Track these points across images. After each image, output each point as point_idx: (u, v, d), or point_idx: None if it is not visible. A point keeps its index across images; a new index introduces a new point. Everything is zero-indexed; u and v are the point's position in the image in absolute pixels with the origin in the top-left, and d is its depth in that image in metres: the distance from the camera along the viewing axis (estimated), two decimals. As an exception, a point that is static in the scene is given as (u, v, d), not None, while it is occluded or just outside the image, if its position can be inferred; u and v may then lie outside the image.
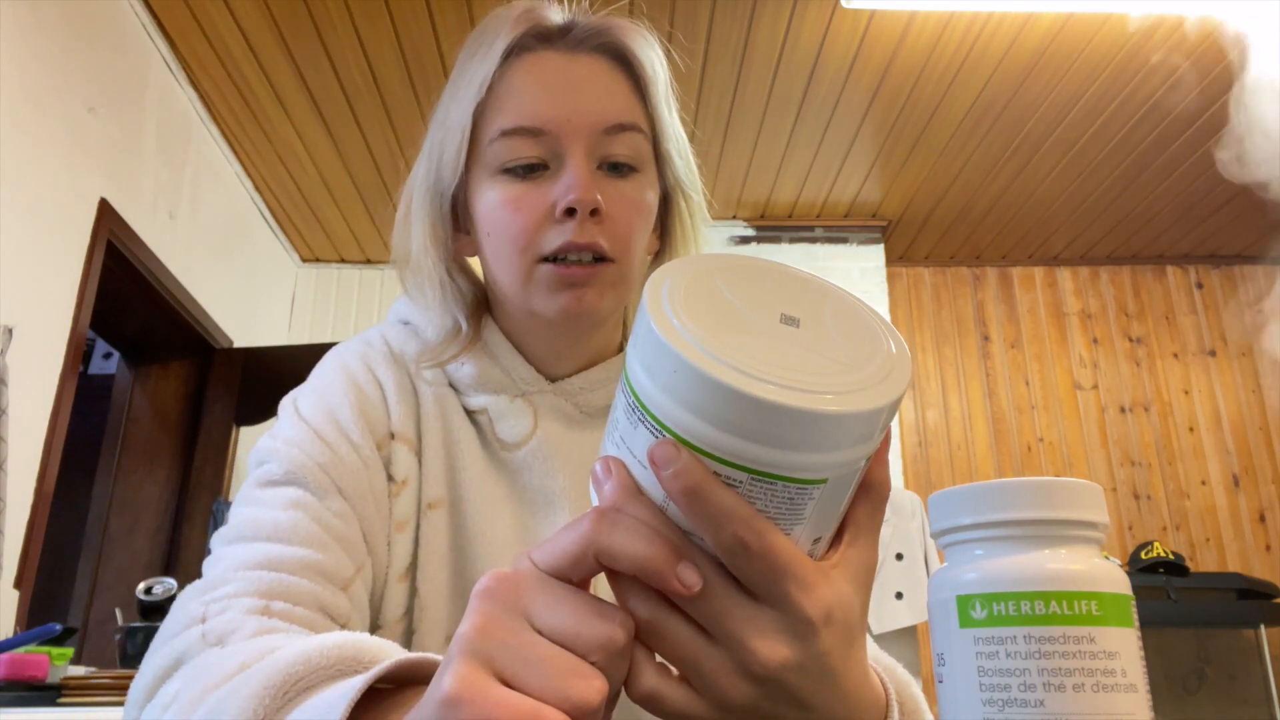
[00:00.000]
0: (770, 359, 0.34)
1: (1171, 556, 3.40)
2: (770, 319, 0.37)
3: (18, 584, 2.19)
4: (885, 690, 0.44)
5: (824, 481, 0.35)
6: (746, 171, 3.65)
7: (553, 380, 0.76)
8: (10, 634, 2.13)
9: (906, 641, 3.17)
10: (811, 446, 0.34)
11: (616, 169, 0.71)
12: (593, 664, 0.34)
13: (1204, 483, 4.00)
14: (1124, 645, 0.34)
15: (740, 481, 0.35)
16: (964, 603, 0.36)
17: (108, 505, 3.14)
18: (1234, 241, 4.16)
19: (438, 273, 0.74)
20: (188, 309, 3.08)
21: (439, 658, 0.44)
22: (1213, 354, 4.19)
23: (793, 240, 4.06)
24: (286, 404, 0.73)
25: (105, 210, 2.55)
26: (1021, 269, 4.34)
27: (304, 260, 4.15)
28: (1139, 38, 2.88)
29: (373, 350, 0.76)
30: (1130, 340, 4.22)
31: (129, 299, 2.93)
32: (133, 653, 1.89)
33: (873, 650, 0.60)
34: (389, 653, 0.48)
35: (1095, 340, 4.22)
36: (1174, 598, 3.27)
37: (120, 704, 1.60)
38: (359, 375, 0.73)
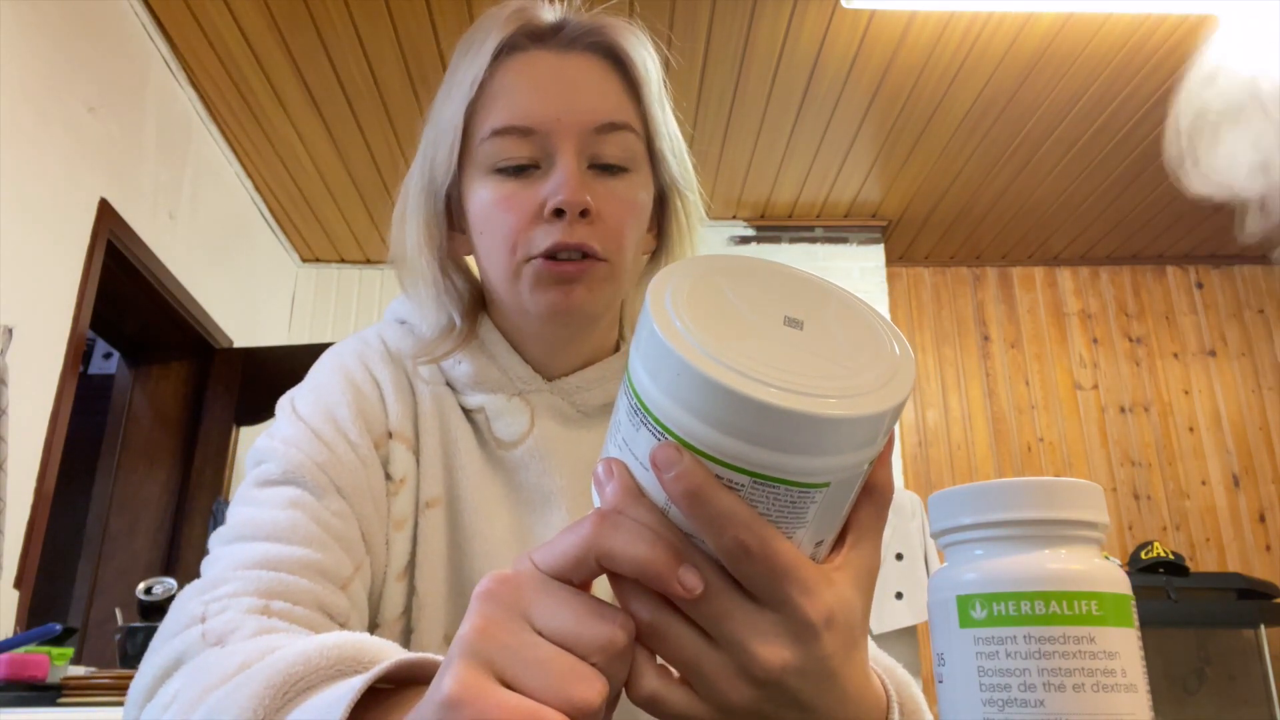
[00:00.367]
0: (773, 362, 0.34)
1: (1171, 556, 3.40)
2: (773, 321, 0.37)
3: (18, 584, 2.19)
4: (886, 691, 0.44)
5: (826, 485, 0.35)
6: (746, 171, 3.65)
7: (550, 379, 0.76)
8: (10, 634, 2.13)
9: (906, 641, 3.17)
10: (814, 450, 0.34)
11: (608, 168, 0.71)
12: (593, 665, 0.34)
13: (1204, 483, 4.00)
14: (1124, 645, 0.34)
15: (742, 485, 0.35)
16: (964, 603, 0.36)
17: (108, 505, 3.14)
18: (1234, 241, 4.16)
19: (431, 271, 0.74)
20: (188, 309, 3.08)
21: (439, 658, 0.44)
22: (1213, 354, 4.19)
23: (793, 240, 4.06)
24: (284, 404, 0.73)
25: (105, 210, 2.55)
26: (1021, 269, 4.34)
27: (304, 260, 4.15)
28: (1139, 38, 2.88)
29: (370, 349, 0.76)
30: (1130, 340, 4.22)
31: (129, 299, 2.93)
32: (133, 653, 1.89)
33: (872, 650, 0.60)
34: (389, 653, 0.48)
35: (1095, 340, 4.22)
36: (1174, 598, 3.27)
37: (120, 704, 1.60)
38: (356, 374, 0.74)
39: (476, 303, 0.78)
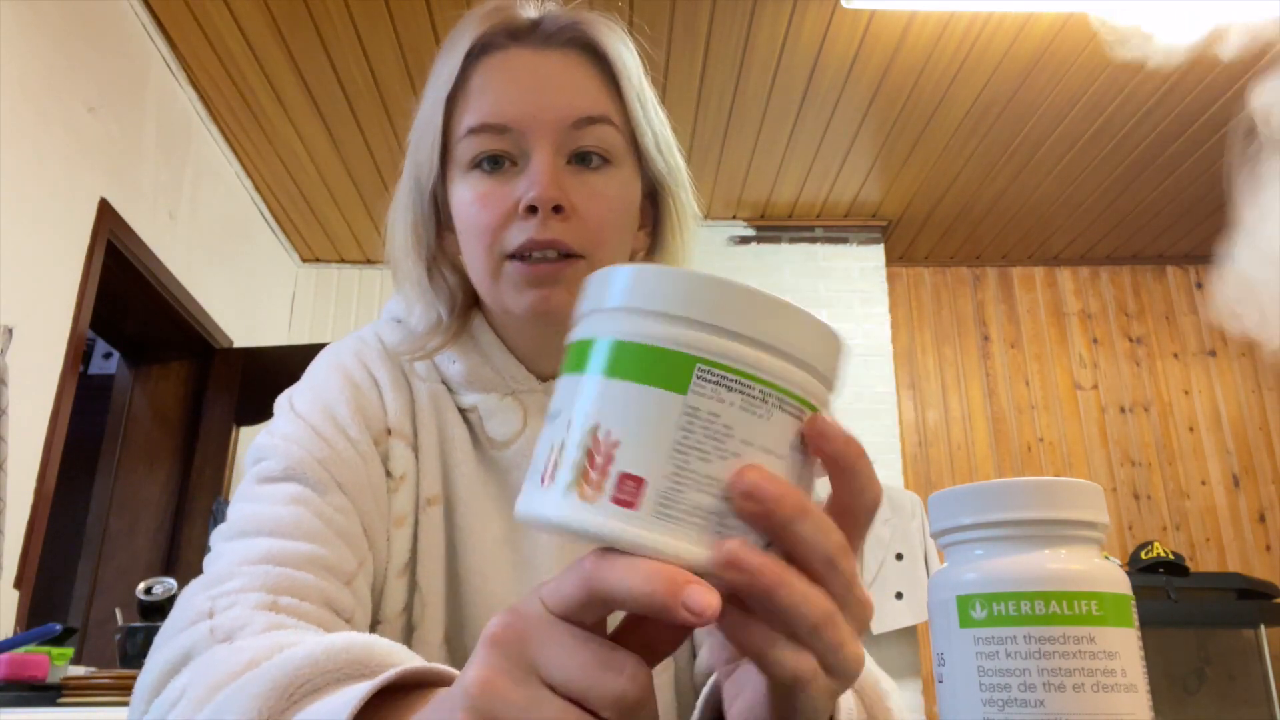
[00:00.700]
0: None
1: (1171, 556, 3.40)
2: None
3: (18, 584, 2.19)
4: None
5: (780, 393, 0.34)
6: (746, 171, 3.65)
7: (543, 379, 0.76)
8: (10, 634, 2.13)
9: (906, 641, 3.17)
10: (773, 338, 0.33)
11: (586, 161, 0.70)
12: None
13: (1204, 483, 4.00)
14: (1124, 645, 0.34)
15: (706, 386, 0.33)
16: (964, 603, 0.36)
17: (108, 505, 3.14)
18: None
19: (416, 272, 0.75)
20: (188, 309, 3.08)
21: (443, 668, 0.44)
22: (1213, 354, 4.19)
23: (793, 240, 4.06)
24: (282, 402, 0.73)
25: (105, 210, 2.55)
26: (1021, 269, 4.34)
27: (304, 260, 4.15)
28: (1139, 38, 2.88)
29: (367, 347, 0.76)
30: (1130, 340, 4.22)
31: (129, 299, 2.93)
32: (133, 653, 1.89)
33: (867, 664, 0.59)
34: (396, 656, 0.48)
35: (1095, 340, 4.22)
36: (1174, 598, 3.27)
37: (120, 704, 1.60)
38: (354, 372, 0.74)
39: (469, 301, 0.77)
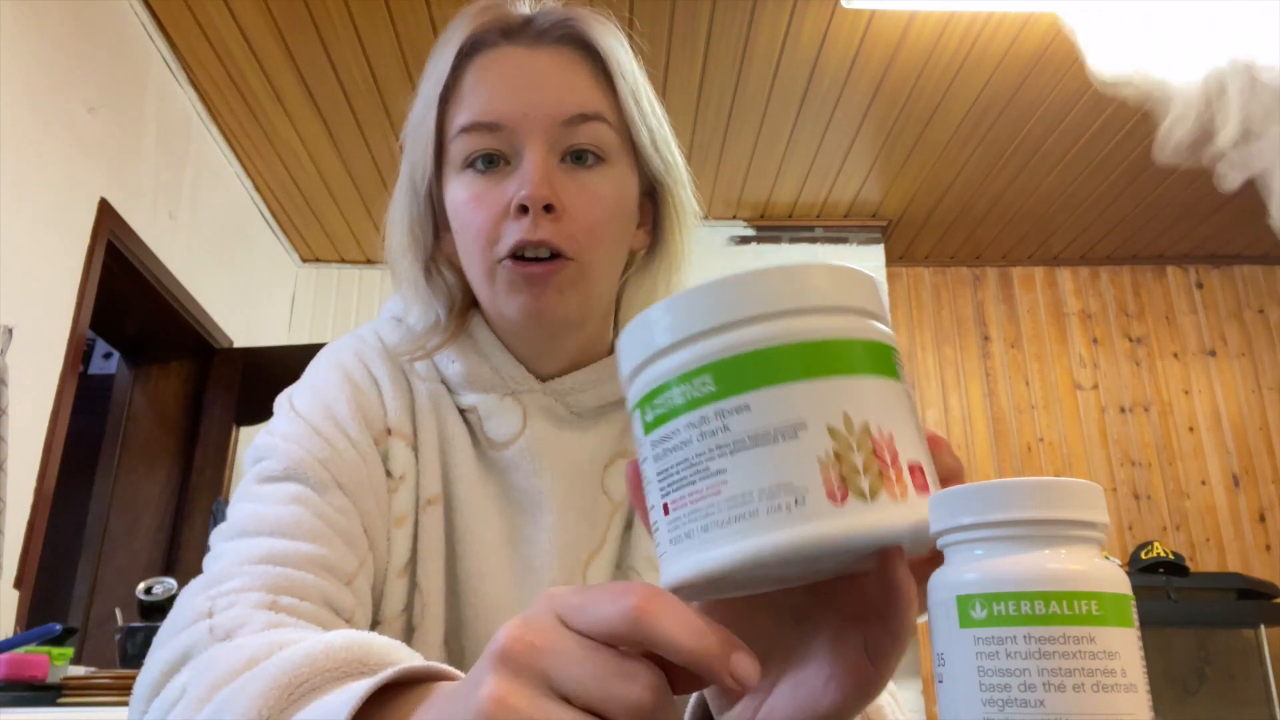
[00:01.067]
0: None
1: (1171, 556, 3.40)
2: None
3: (18, 584, 2.19)
4: None
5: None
6: (746, 171, 3.65)
7: (543, 379, 0.75)
8: (10, 634, 2.13)
9: (906, 641, 3.16)
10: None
11: (580, 159, 0.70)
12: None
13: (1204, 483, 4.00)
14: (1124, 645, 0.34)
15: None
16: (964, 603, 0.36)
17: (108, 505, 3.14)
18: (1234, 241, 4.16)
19: (413, 273, 0.74)
20: (188, 309, 3.08)
21: (444, 667, 0.44)
22: (1213, 354, 4.19)
23: (793, 240, 4.06)
24: (282, 401, 0.73)
25: (105, 210, 2.55)
26: (1021, 269, 4.34)
27: (304, 260, 4.15)
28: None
29: (367, 346, 0.76)
30: (1130, 340, 4.22)
31: (129, 299, 2.93)
32: (133, 653, 1.89)
33: None
34: (395, 654, 0.48)
35: (1095, 340, 4.22)
36: (1174, 598, 3.27)
37: (120, 704, 1.60)
38: (354, 371, 0.73)
39: (468, 300, 0.77)
